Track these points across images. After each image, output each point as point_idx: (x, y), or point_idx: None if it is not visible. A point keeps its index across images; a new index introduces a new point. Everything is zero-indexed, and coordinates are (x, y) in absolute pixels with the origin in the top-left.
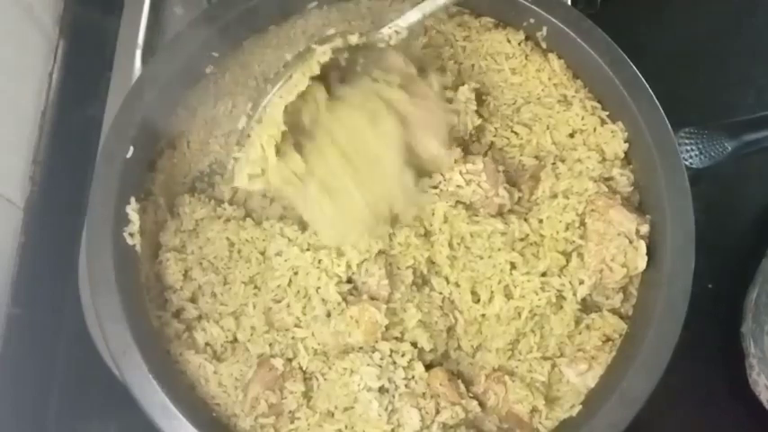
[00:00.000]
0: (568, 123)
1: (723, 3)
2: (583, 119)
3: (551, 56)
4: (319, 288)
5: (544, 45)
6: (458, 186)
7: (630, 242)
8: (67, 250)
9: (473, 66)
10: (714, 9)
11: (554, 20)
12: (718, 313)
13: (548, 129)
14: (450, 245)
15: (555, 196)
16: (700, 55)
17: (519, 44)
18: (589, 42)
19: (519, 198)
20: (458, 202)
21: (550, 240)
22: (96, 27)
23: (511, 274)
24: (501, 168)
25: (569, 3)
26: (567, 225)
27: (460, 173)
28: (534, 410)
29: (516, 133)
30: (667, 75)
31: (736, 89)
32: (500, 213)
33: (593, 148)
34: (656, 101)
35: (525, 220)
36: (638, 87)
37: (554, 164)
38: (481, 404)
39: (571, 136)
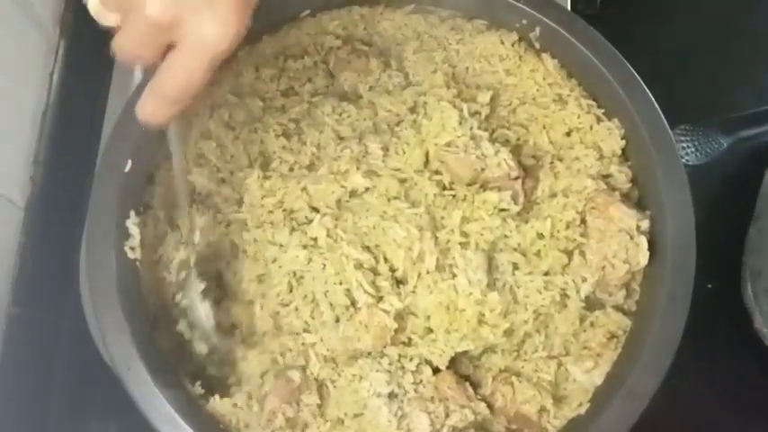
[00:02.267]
0: (564, 122)
1: (722, 3)
2: (579, 117)
3: (545, 56)
4: (327, 292)
5: (537, 45)
6: (484, 155)
7: (631, 238)
8: (68, 250)
9: (467, 68)
10: (713, 9)
11: (547, 20)
12: (718, 306)
13: (544, 128)
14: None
15: (554, 195)
16: (698, 54)
17: (512, 45)
18: (582, 41)
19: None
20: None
21: (552, 239)
22: (97, 27)
23: (513, 274)
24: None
25: (569, 3)
26: (567, 223)
27: (489, 141)
28: (542, 410)
29: (513, 134)
30: (666, 74)
31: (734, 88)
32: (513, 199)
33: (591, 146)
34: (651, 96)
35: (526, 221)
36: (633, 84)
37: (552, 163)
38: (489, 406)
39: (568, 135)
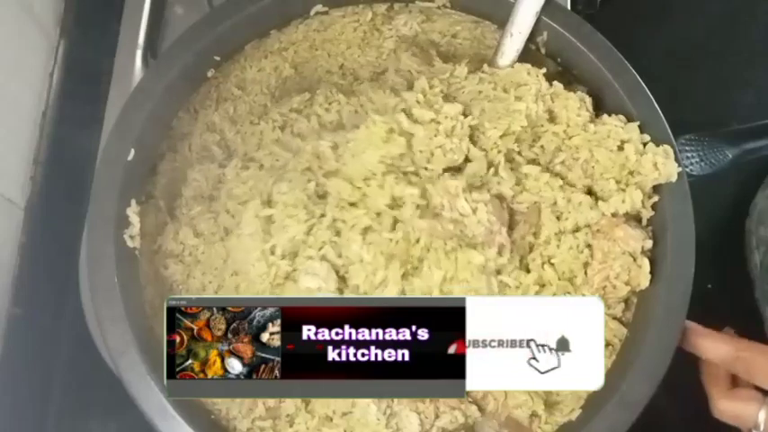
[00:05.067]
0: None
1: (723, 3)
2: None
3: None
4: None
5: (544, 50)
6: (461, 215)
7: (635, 260)
8: (68, 250)
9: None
10: (713, 10)
11: (554, 24)
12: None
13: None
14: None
15: (559, 235)
16: (699, 55)
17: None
18: (589, 47)
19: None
20: (457, 237)
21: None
22: (96, 27)
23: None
24: (505, 206)
25: (569, 4)
26: (574, 257)
27: (466, 199)
28: (534, 415)
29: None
30: (665, 75)
31: (736, 90)
32: (500, 253)
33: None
34: (657, 108)
35: (527, 270)
36: (639, 93)
37: (555, 204)
38: (480, 409)
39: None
